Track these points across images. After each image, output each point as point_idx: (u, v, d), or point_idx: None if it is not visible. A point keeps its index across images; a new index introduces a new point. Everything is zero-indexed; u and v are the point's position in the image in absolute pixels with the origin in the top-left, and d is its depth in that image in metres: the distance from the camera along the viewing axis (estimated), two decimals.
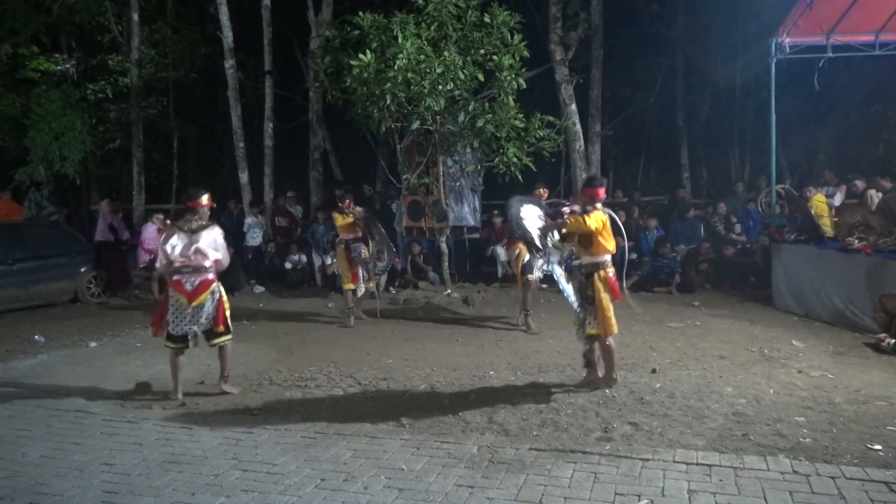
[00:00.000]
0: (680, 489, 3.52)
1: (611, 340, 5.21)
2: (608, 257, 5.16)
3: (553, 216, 5.38)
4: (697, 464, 3.81)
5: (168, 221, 6.02)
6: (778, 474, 3.66)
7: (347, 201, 8.51)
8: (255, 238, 12.13)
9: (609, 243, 5.12)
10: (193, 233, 5.33)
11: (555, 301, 9.38)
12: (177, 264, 5.28)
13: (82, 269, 10.40)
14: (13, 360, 6.88)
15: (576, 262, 5.37)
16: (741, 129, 14.94)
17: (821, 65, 9.13)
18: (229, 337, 5.52)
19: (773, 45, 9.08)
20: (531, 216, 5.40)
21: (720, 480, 3.61)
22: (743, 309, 8.86)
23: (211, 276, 5.37)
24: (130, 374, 6.13)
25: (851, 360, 6.12)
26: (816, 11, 8.65)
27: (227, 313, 5.47)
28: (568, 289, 5.23)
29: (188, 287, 5.27)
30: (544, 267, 7.60)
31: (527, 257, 7.59)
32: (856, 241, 7.64)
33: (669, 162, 15.76)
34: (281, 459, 4.05)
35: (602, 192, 5.25)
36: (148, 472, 3.93)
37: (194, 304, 5.27)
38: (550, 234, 5.58)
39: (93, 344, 7.56)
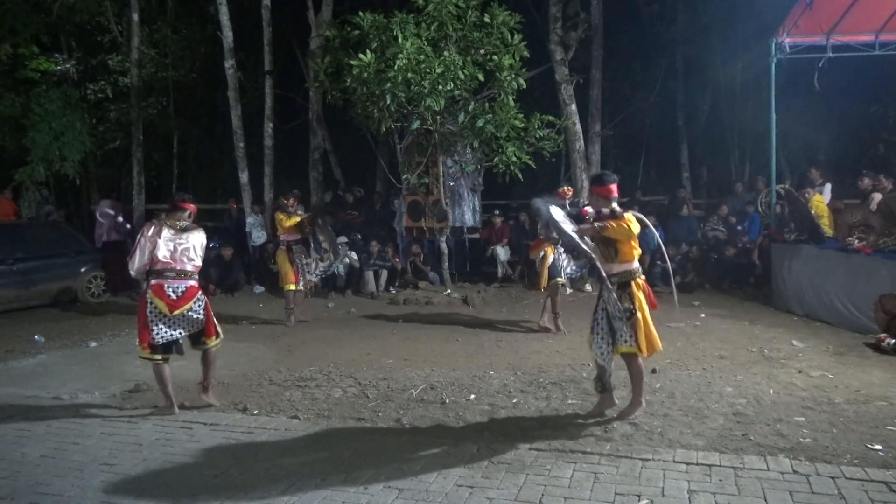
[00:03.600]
0: (680, 489, 3.52)
1: (641, 359, 4.64)
2: (637, 262, 4.72)
3: (577, 217, 4.88)
4: (697, 464, 3.81)
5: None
6: (778, 474, 3.66)
7: (292, 199, 8.52)
8: (260, 238, 12.12)
9: (638, 248, 4.70)
10: (182, 232, 4.98)
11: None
12: (159, 266, 4.85)
13: (82, 269, 10.41)
14: (13, 360, 6.88)
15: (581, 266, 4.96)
16: (741, 129, 14.94)
17: (821, 65, 9.12)
18: (219, 340, 5.18)
19: (773, 45, 9.08)
20: (562, 218, 4.82)
21: (720, 480, 3.61)
22: (743, 309, 8.86)
23: (195, 282, 4.99)
24: (130, 374, 6.12)
25: (851, 360, 6.12)
26: (816, 11, 8.64)
27: (215, 320, 5.12)
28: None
29: (171, 294, 4.85)
30: (569, 270, 7.58)
31: (551, 258, 7.40)
32: (856, 241, 7.64)
33: (669, 162, 15.77)
34: (281, 459, 4.05)
35: (615, 188, 4.69)
36: (148, 472, 3.93)
37: (175, 313, 4.86)
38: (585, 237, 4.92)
39: (93, 344, 7.56)
